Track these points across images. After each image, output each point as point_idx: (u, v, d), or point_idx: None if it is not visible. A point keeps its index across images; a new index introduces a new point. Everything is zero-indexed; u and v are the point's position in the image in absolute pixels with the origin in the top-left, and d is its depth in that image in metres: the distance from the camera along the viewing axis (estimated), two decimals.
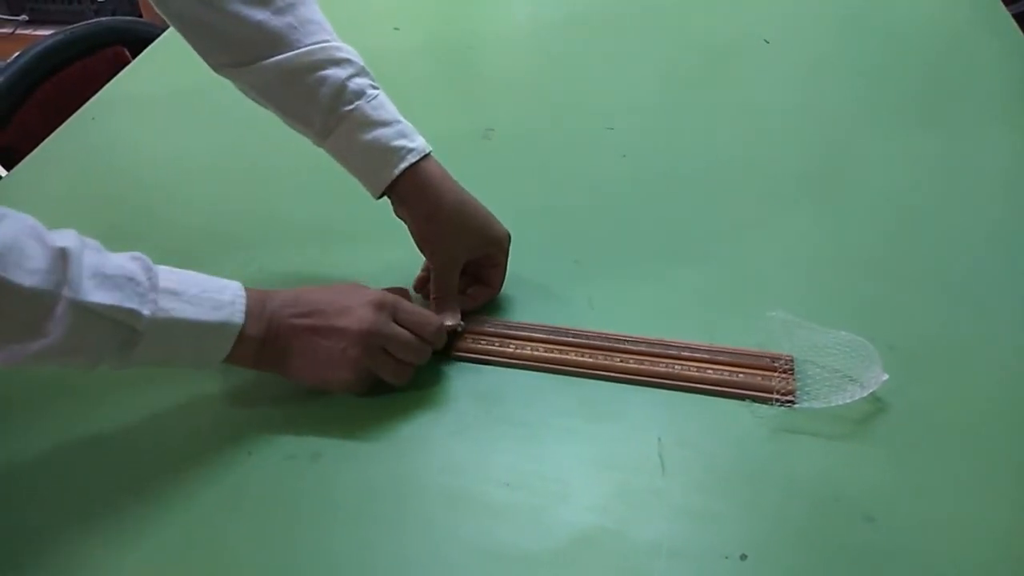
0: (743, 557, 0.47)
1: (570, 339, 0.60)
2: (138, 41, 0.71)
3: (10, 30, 1.98)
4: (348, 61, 0.59)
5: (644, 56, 0.96)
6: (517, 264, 0.68)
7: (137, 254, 0.50)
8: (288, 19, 0.57)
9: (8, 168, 0.86)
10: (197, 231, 0.74)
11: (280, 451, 0.54)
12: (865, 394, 0.54)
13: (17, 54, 1.08)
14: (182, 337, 0.50)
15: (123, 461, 0.54)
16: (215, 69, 0.61)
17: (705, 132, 0.83)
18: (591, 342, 0.60)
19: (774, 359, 0.57)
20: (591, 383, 0.58)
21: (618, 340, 0.60)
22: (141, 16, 1.92)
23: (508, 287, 0.65)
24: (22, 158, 0.84)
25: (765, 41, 0.97)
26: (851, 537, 0.48)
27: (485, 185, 0.77)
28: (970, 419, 0.54)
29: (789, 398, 0.55)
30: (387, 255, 0.67)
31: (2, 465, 0.54)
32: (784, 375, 0.56)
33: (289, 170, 0.81)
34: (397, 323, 0.56)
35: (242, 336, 0.52)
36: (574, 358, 0.58)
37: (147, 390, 0.58)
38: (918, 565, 0.46)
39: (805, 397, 0.55)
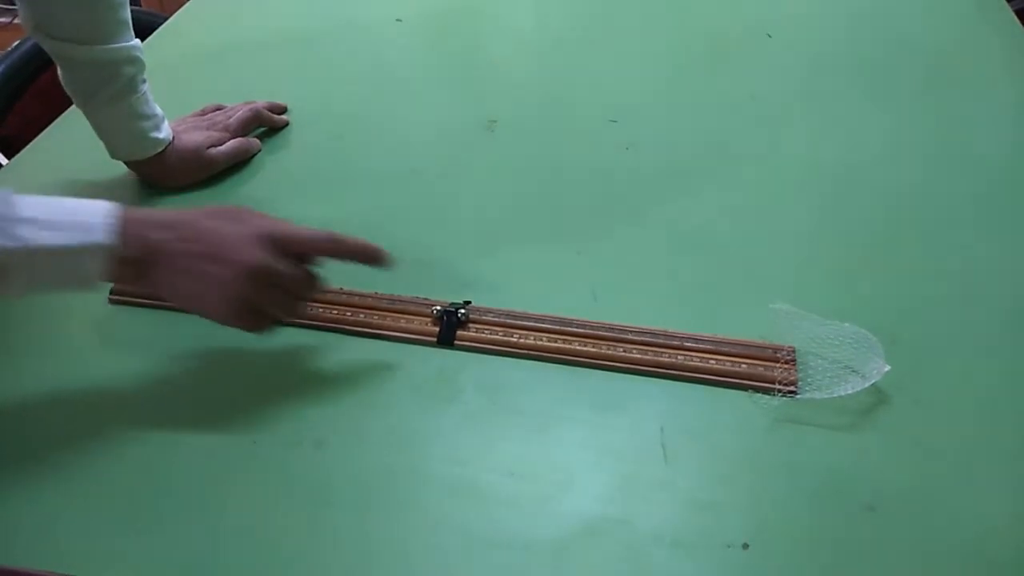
0: (745, 546, 0.47)
1: (574, 329, 0.60)
2: (139, 30, 0.71)
3: (9, 19, 1.98)
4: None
5: (648, 49, 0.96)
6: (521, 254, 0.68)
7: (4, 189, 0.48)
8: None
9: (8, 157, 0.85)
10: None
11: (284, 439, 0.54)
12: (867, 385, 0.54)
13: (16, 43, 1.08)
14: (49, 263, 0.49)
15: (124, 448, 0.54)
16: (31, 31, 0.66)
17: (708, 124, 0.83)
18: (595, 332, 0.60)
19: (776, 350, 0.58)
20: (595, 373, 0.58)
21: (621, 330, 0.60)
22: (140, 5, 1.92)
23: (512, 277, 0.65)
24: (22, 147, 0.84)
25: (768, 35, 0.96)
26: (852, 527, 0.48)
27: (488, 176, 0.78)
28: (971, 410, 0.54)
29: (791, 389, 0.55)
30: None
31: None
32: (786, 366, 0.56)
33: (289, 160, 0.81)
34: (292, 256, 0.54)
35: (116, 257, 0.50)
36: (578, 348, 0.59)
37: (149, 378, 0.58)
38: (919, 554, 0.47)
39: (807, 388, 0.55)
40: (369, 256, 0.57)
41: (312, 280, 0.57)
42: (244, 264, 0.52)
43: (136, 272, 0.52)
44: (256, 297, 0.53)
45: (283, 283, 0.54)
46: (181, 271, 0.52)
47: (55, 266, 0.49)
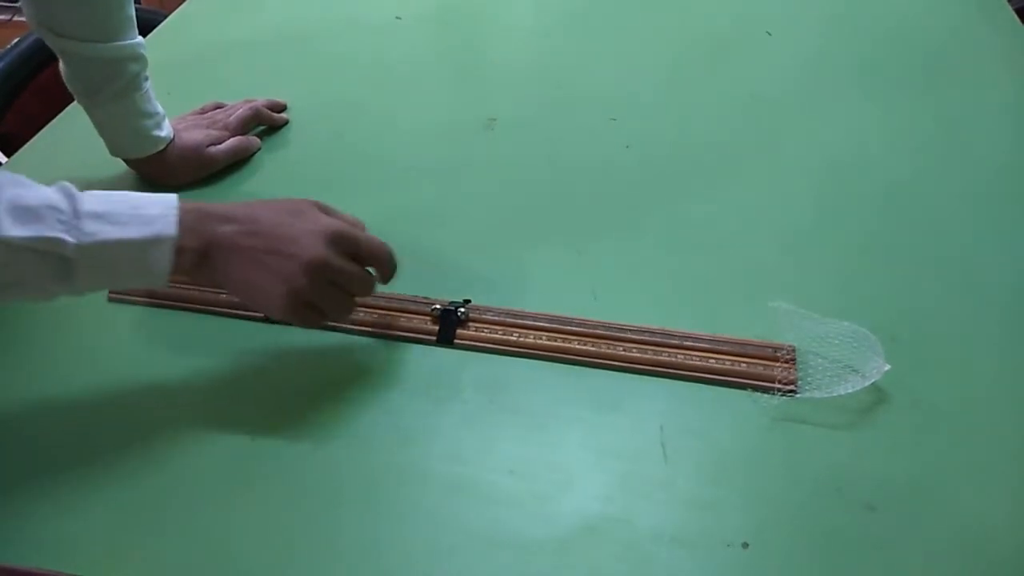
0: (745, 545, 0.47)
1: (573, 328, 0.60)
2: (139, 28, 0.71)
3: (8, 17, 1.97)
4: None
5: (647, 47, 0.96)
6: (521, 253, 0.68)
7: (63, 183, 0.49)
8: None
9: (8, 155, 0.85)
10: None
11: (283, 437, 0.54)
12: (867, 384, 0.54)
13: (16, 40, 1.08)
14: (116, 257, 0.49)
15: (124, 447, 0.54)
16: (35, 27, 0.67)
17: (708, 123, 0.83)
18: (594, 331, 0.60)
19: (776, 349, 0.58)
20: (594, 372, 0.58)
21: (621, 329, 0.60)
22: (141, 3, 1.91)
23: (512, 276, 0.65)
24: (22, 145, 0.84)
25: (767, 32, 0.96)
26: (852, 526, 0.48)
27: (487, 174, 0.78)
28: (971, 409, 0.54)
29: (791, 388, 0.55)
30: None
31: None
32: (786, 365, 0.56)
33: (288, 159, 0.81)
34: (349, 255, 0.55)
35: (179, 248, 0.50)
36: (577, 347, 0.59)
37: (149, 377, 0.58)
38: (919, 554, 0.47)
39: (807, 387, 0.55)
40: (387, 277, 0.58)
41: (368, 280, 0.57)
42: (305, 259, 0.52)
43: (196, 263, 0.52)
44: (313, 293, 0.53)
45: (341, 281, 0.54)
46: (241, 263, 0.52)
47: (121, 260, 0.49)
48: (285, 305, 0.53)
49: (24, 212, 0.46)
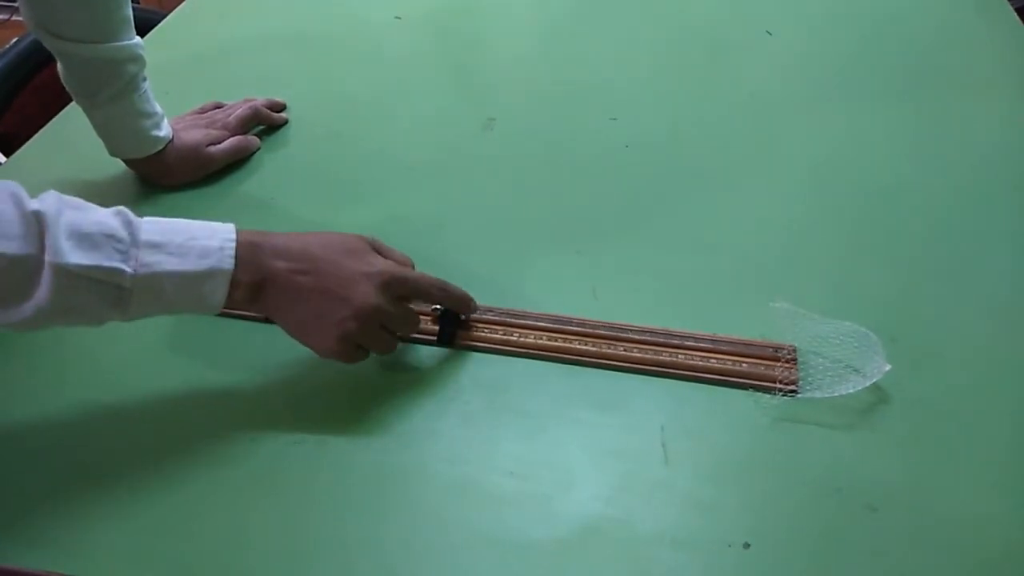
0: (746, 545, 0.47)
1: (574, 328, 0.60)
2: (138, 28, 0.71)
3: (7, 16, 1.97)
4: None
5: (647, 47, 0.96)
6: (521, 253, 0.68)
7: (120, 208, 0.49)
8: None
9: (7, 155, 0.85)
10: (199, 216, 0.73)
11: (284, 437, 0.54)
12: (867, 384, 0.54)
13: (15, 40, 1.07)
14: (173, 288, 0.49)
15: (124, 447, 0.54)
16: (33, 28, 0.66)
17: (708, 122, 0.83)
18: (595, 331, 0.60)
19: (777, 349, 0.58)
20: (595, 372, 0.58)
21: (622, 329, 0.60)
22: (139, 3, 1.91)
23: (512, 276, 0.65)
24: (21, 144, 0.84)
25: (767, 32, 0.96)
26: (853, 526, 0.48)
27: (487, 174, 0.78)
28: (972, 409, 0.54)
29: (792, 388, 0.55)
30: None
31: (5, 439, 0.54)
32: (787, 365, 0.56)
33: (288, 158, 0.81)
34: (400, 298, 0.55)
35: (234, 282, 0.51)
36: (578, 347, 0.59)
37: (148, 377, 0.58)
38: (920, 554, 0.47)
39: (808, 387, 0.55)
40: (465, 307, 0.59)
41: (415, 320, 0.57)
42: (358, 305, 0.52)
43: (250, 297, 0.52)
44: (363, 336, 0.54)
45: (390, 324, 0.55)
46: (294, 301, 0.53)
47: (176, 291, 0.49)
48: (335, 349, 0.54)
49: (83, 239, 0.46)
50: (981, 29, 0.95)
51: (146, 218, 0.50)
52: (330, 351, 0.54)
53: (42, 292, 0.45)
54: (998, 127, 0.80)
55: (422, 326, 0.61)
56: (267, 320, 0.58)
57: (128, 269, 0.47)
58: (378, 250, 0.57)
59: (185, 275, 0.49)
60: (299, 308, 0.53)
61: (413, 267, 0.59)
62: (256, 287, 0.52)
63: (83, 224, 0.47)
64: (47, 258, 0.45)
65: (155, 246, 0.49)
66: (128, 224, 0.48)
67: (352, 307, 0.52)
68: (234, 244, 0.51)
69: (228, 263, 0.50)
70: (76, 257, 0.46)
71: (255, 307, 0.53)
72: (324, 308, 0.53)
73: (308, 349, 0.55)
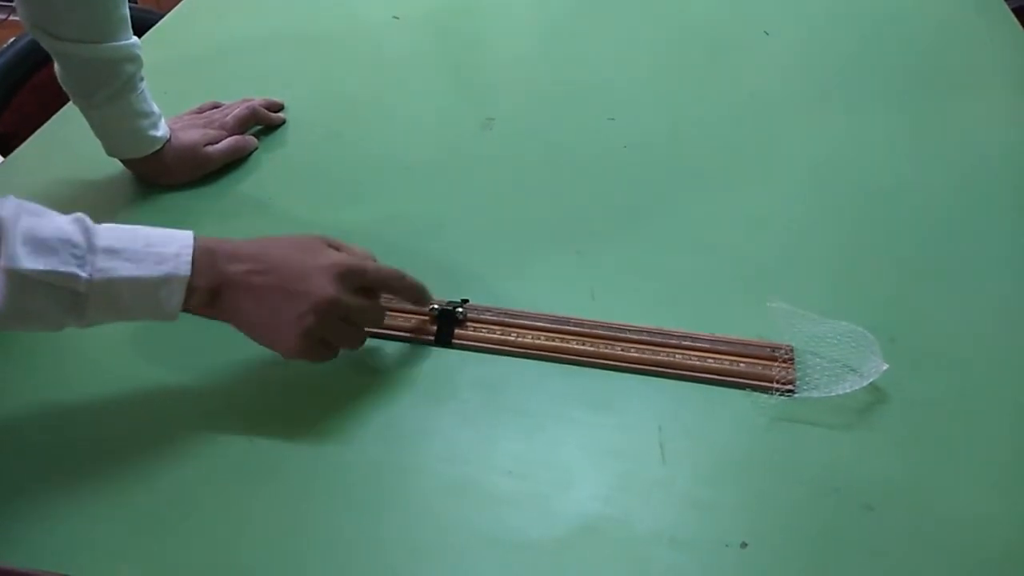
0: (743, 545, 0.47)
1: (572, 328, 0.60)
2: (135, 28, 0.71)
3: (5, 16, 1.97)
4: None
5: (645, 47, 0.96)
6: (519, 253, 0.68)
7: (79, 215, 0.49)
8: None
9: (6, 154, 0.85)
10: (197, 214, 0.73)
11: (281, 437, 0.54)
12: (865, 384, 0.54)
13: (13, 39, 1.07)
14: (129, 294, 0.49)
15: (123, 448, 0.54)
16: (31, 29, 0.66)
17: (706, 123, 0.83)
18: (593, 331, 0.60)
19: (774, 349, 0.58)
20: (593, 372, 0.58)
21: (619, 329, 0.60)
22: (137, 2, 1.91)
23: (510, 276, 0.65)
24: (20, 143, 0.84)
25: (765, 32, 0.96)
26: (851, 526, 0.48)
27: (485, 174, 0.78)
28: (970, 409, 0.54)
29: (789, 387, 0.55)
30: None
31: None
32: (784, 365, 0.56)
33: (285, 158, 0.81)
34: (359, 289, 0.55)
35: (191, 288, 0.50)
36: (576, 347, 0.59)
37: (146, 378, 0.58)
38: (917, 554, 0.47)
39: (805, 387, 0.55)
40: (419, 297, 0.59)
41: (379, 311, 0.57)
42: (315, 299, 0.52)
43: (208, 302, 0.52)
44: (325, 330, 0.53)
45: (351, 317, 0.55)
46: (251, 302, 0.52)
47: (132, 297, 0.49)
48: (297, 346, 0.53)
49: (39, 244, 0.46)
50: (980, 29, 0.95)
51: (104, 224, 0.50)
52: (293, 350, 0.53)
53: None
54: (997, 127, 0.80)
55: (419, 326, 0.61)
56: None
57: (84, 274, 0.47)
58: (335, 247, 0.56)
59: (141, 280, 0.49)
60: (257, 309, 0.53)
61: (374, 260, 0.58)
62: (213, 292, 0.52)
63: (40, 230, 0.46)
64: (2, 263, 0.45)
65: (112, 252, 0.48)
66: (85, 230, 0.48)
67: (309, 301, 0.52)
68: (191, 250, 0.50)
69: (184, 268, 0.50)
70: (31, 262, 0.45)
71: (214, 312, 0.53)
72: (281, 306, 0.52)
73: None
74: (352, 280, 0.54)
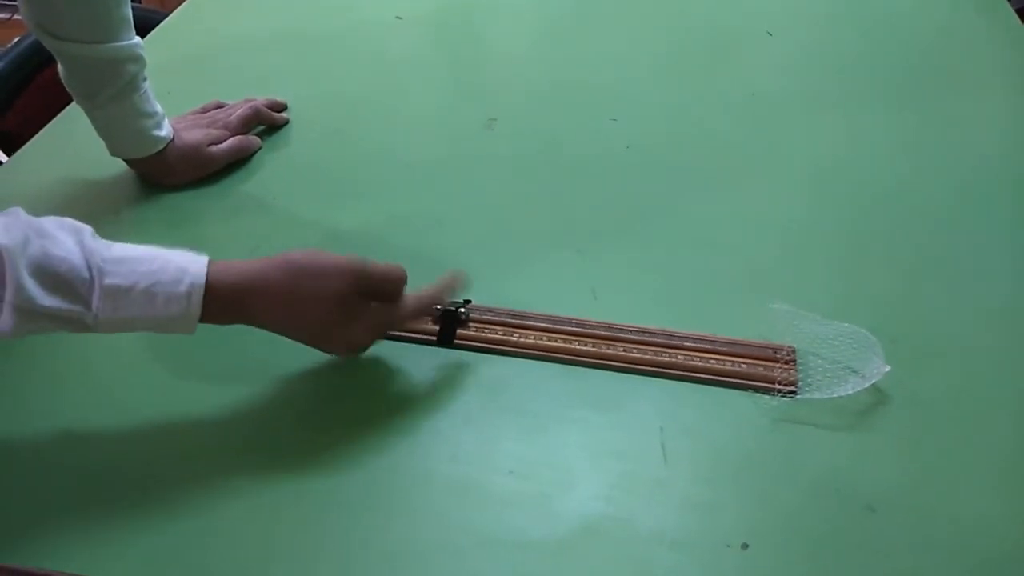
0: (745, 546, 0.48)
1: (573, 328, 0.60)
2: (139, 27, 0.71)
3: (8, 16, 1.97)
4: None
5: (648, 47, 0.96)
6: (521, 253, 0.68)
7: (84, 242, 0.48)
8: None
9: (9, 154, 0.85)
10: (200, 215, 0.74)
11: (281, 436, 0.54)
12: (867, 385, 0.54)
13: (17, 39, 1.07)
14: (140, 325, 0.50)
15: (123, 447, 0.54)
16: (33, 29, 0.67)
17: (709, 123, 0.83)
18: (594, 332, 0.60)
19: (776, 350, 0.58)
20: (594, 372, 0.58)
21: (621, 330, 0.60)
22: (140, 2, 1.91)
23: (512, 276, 0.65)
24: (23, 143, 0.84)
25: (768, 32, 0.96)
26: (852, 527, 0.48)
27: (487, 174, 0.78)
28: (972, 411, 0.54)
29: (791, 389, 0.55)
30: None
31: (6, 451, 0.54)
32: (786, 366, 0.56)
33: (289, 158, 0.81)
34: (368, 293, 0.55)
35: (204, 319, 0.51)
36: (577, 347, 0.59)
37: (146, 377, 0.58)
38: (918, 555, 0.47)
39: (807, 388, 0.55)
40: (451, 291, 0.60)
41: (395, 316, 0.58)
42: (339, 348, 0.56)
43: (225, 321, 0.52)
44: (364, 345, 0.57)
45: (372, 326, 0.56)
46: (279, 327, 0.54)
47: (143, 326, 0.50)
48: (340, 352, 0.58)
49: (47, 278, 0.46)
50: (982, 29, 0.95)
51: (112, 252, 0.49)
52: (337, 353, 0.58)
53: (4, 322, 0.45)
54: (999, 127, 0.80)
55: (422, 326, 0.61)
56: None
57: (91, 312, 0.47)
58: (364, 286, 0.54)
59: (151, 320, 0.49)
60: (287, 331, 0.55)
61: (404, 281, 0.56)
62: (228, 318, 0.52)
63: (48, 260, 0.46)
64: (8, 297, 0.45)
65: (118, 291, 0.48)
66: (89, 265, 0.47)
67: (332, 348, 0.57)
68: (202, 291, 0.50)
69: (195, 309, 0.50)
70: (40, 298, 0.46)
71: (233, 322, 0.53)
72: (306, 339, 0.55)
73: (306, 354, 0.56)
74: (363, 301, 0.55)
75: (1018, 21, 0.97)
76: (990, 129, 0.80)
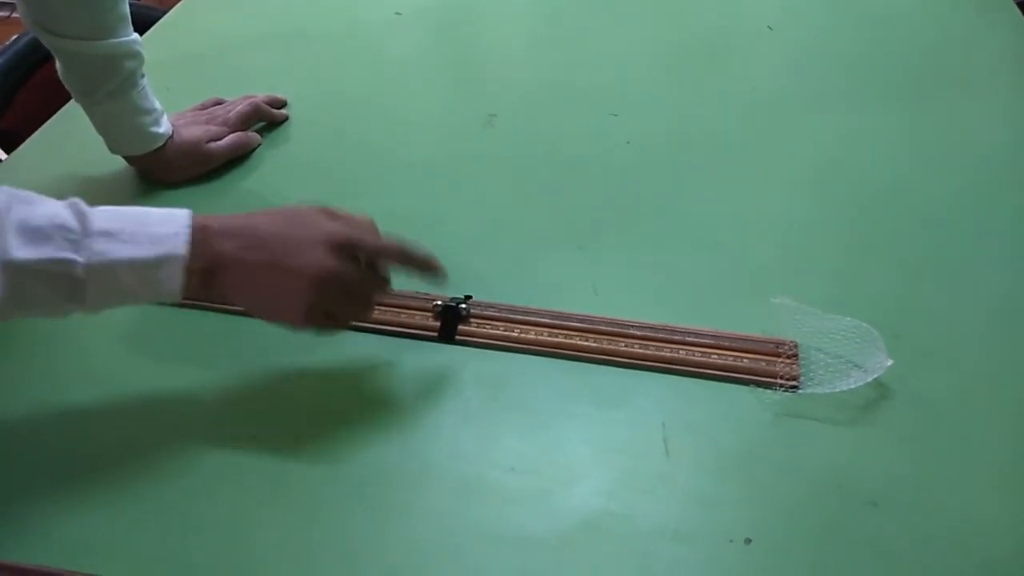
0: (747, 541, 0.47)
1: (575, 324, 0.60)
2: (137, 24, 0.71)
3: (7, 13, 1.97)
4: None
5: (648, 42, 0.95)
6: (522, 249, 0.68)
7: (74, 199, 0.48)
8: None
9: (8, 151, 0.85)
10: (199, 211, 0.73)
11: (282, 434, 0.54)
12: (869, 380, 0.54)
13: (15, 37, 1.07)
14: (128, 277, 0.48)
15: (123, 446, 0.54)
16: (31, 26, 0.67)
17: (709, 118, 0.83)
18: (596, 327, 0.60)
19: (778, 344, 0.58)
20: (596, 368, 0.58)
21: (623, 325, 0.60)
22: None
23: (513, 272, 0.65)
24: (22, 141, 0.84)
25: (768, 27, 0.96)
26: (854, 522, 0.48)
27: (488, 171, 0.77)
28: (975, 406, 0.54)
29: (793, 383, 0.55)
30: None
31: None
32: (788, 360, 0.56)
33: (288, 155, 0.81)
34: (356, 257, 0.54)
35: (189, 268, 0.50)
36: (579, 343, 0.59)
37: (147, 376, 0.58)
38: (921, 550, 0.47)
39: (809, 383, 0.55)
40: (430, 268, 0.57)
41: (379, 283, 0.56)
42: (311, 272, 0.51)
43: (205, 282, 0.51)
44: (324, 302, 0.53)
45: (351, 289, 0.54)
46: (248, 282, 0.52)
47: (131, 279, 0.49)
48: (297, 319, 0.53)
49: (33, 233, 0.46)
50: (984, 26, 0.95)
51: (99, 207, 0.49)
52: (295, 322, 0.53)
53: None
54: (1001, 124, 0.80)
55: (423, 322, 0.61)
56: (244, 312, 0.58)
57: (80, 259, 0.47)
58: (331, 216, 0.54)
59: (139, 262, 0.48)
60: (254, 288, 0.52)
61: (373, 228, 0.56)
62: (209, 272, 0.51)
63: (33, 218, 0.46)
64: None
65: (108, 234, 0.48)
66: (80, 214, 0.48)
67: (305, 278, 0.51)
68: (188, 229, 0.50)
69: (182, 248, 0.49)
70: (26, 252, 0.45)
71: (213, 293, 0.52)
72: (278, 282, 0.52)
73: (309, 343, 0.55)
74: (348, 250, 0.53)
75: (1021, 18, 0.96)
76: (992, 125, 0.80)
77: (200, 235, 0.50)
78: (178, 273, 0.49)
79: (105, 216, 0.48)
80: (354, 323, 0.60)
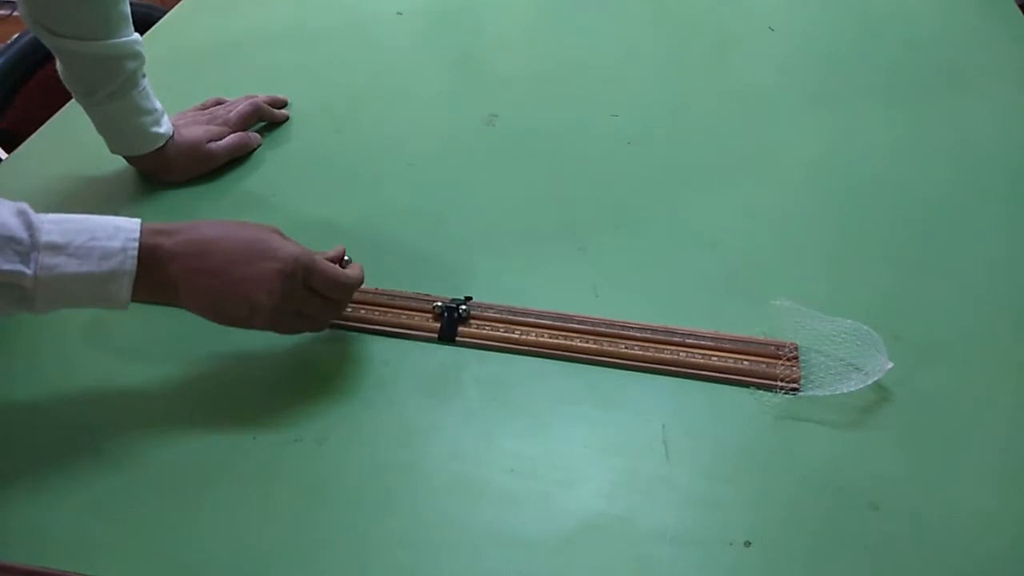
0: (747, 543, 0.47)
1: (575, 326, 0.60)
2: (138, 24, 0.71)
3: (7, 12, 1.97)
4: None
5: (649, 43, 0.95)
6: (522, 250, 0.68)
7: (22, 207, 0.48)
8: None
9: (8, 151, 0.85)
10: (200, 212, 0.73)
11: (285, 435, 0.54)
12: (869, 382, 0.54)
13: (16, 36, 1.07)
14: (76, 289, 0.49)
15: (123, 446, 0.54)
16: (31, 26, 0.67)
17: (711, 119, 0.83)
18: (596, 329, 0.59)
19: (779, 347, 0.57)
20: (596, 370, 0.58)
21: (623, 327, 0.60)
22: None
23: (513, 273, 0.65)
24: (22, 141, 0.84)
25: (770, 28, 0.96)
26: (855, 524, 0.48)
27: (488, 171, 0.77)
28: (974, 408, 0.54)
29: (793, 386, 0.55)
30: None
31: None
32: (788, 363, 0.56)
33: (289, 155, 0.81)
34: (309, 286, 0.54)
35: (137, 283, 0.50)
36: (579, 345, 0.59)
37: (147, 375, 0.58)
38: (921, 553, 0.47)
39: (809, 385, 0.55)
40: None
41: (335, 309, 0.58)
42: (265, 302, 0.52)
43: (157, 295, 0.52)
44: (280, 325, 0.55)
45: (306, 310, 0.55)
46: (198, 302, 0.53)
47: (79, 291, 0.49)
48: (264, 324, 0.54)
49: None
50: (983, 24, 0.95)
51: (48, 216, 0.49)
52: (268, 328, 0.55)
53: None
54: (1001, 123, 0.80)
55: (423, 323, 0.61)
56: None
57: (29, 271, 0.47)
58: (283, 236, 0.55)
59: (87, 276, 0.49)
60: (208, 304, 0.53)
61: (355, 287, 0.58)
62: (160, 287, 0.52)
63: None
64: None
65: (56, 248, 0.48)
66: (28, 225, 0.48)
67: (256, 305, 0.52)
68: (136, 244, 0.50)
69: (130, 264, 0.50)
70: None
71: (163, 300, 0.53)
72: (230, 304, 0.53)
73: (309, 343, 0.55)
74: (301, 276, 0.54)
75: (1020, 15, 0.96)
76: (992, 124, 0.80)
77: (149, 253, 0.51)
78: (126, 287, 0.50)
79: (54, 228, 0.48)
80: (352, 324, 0.60)
